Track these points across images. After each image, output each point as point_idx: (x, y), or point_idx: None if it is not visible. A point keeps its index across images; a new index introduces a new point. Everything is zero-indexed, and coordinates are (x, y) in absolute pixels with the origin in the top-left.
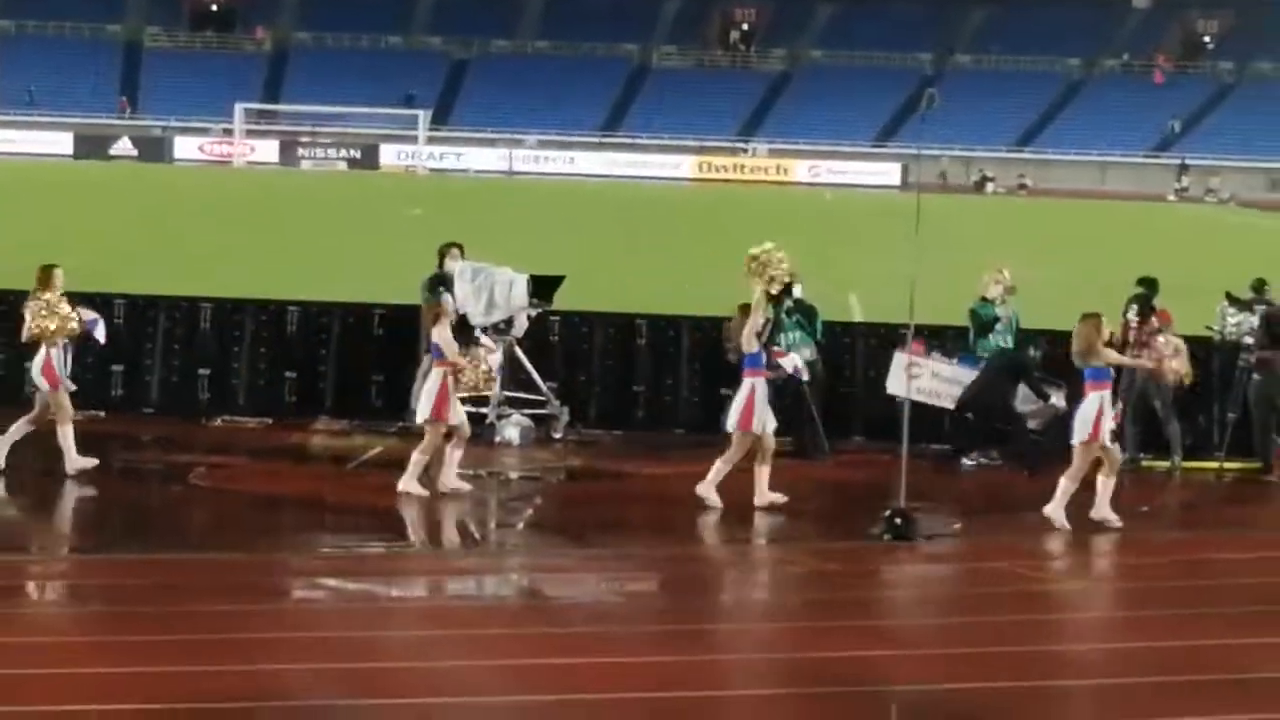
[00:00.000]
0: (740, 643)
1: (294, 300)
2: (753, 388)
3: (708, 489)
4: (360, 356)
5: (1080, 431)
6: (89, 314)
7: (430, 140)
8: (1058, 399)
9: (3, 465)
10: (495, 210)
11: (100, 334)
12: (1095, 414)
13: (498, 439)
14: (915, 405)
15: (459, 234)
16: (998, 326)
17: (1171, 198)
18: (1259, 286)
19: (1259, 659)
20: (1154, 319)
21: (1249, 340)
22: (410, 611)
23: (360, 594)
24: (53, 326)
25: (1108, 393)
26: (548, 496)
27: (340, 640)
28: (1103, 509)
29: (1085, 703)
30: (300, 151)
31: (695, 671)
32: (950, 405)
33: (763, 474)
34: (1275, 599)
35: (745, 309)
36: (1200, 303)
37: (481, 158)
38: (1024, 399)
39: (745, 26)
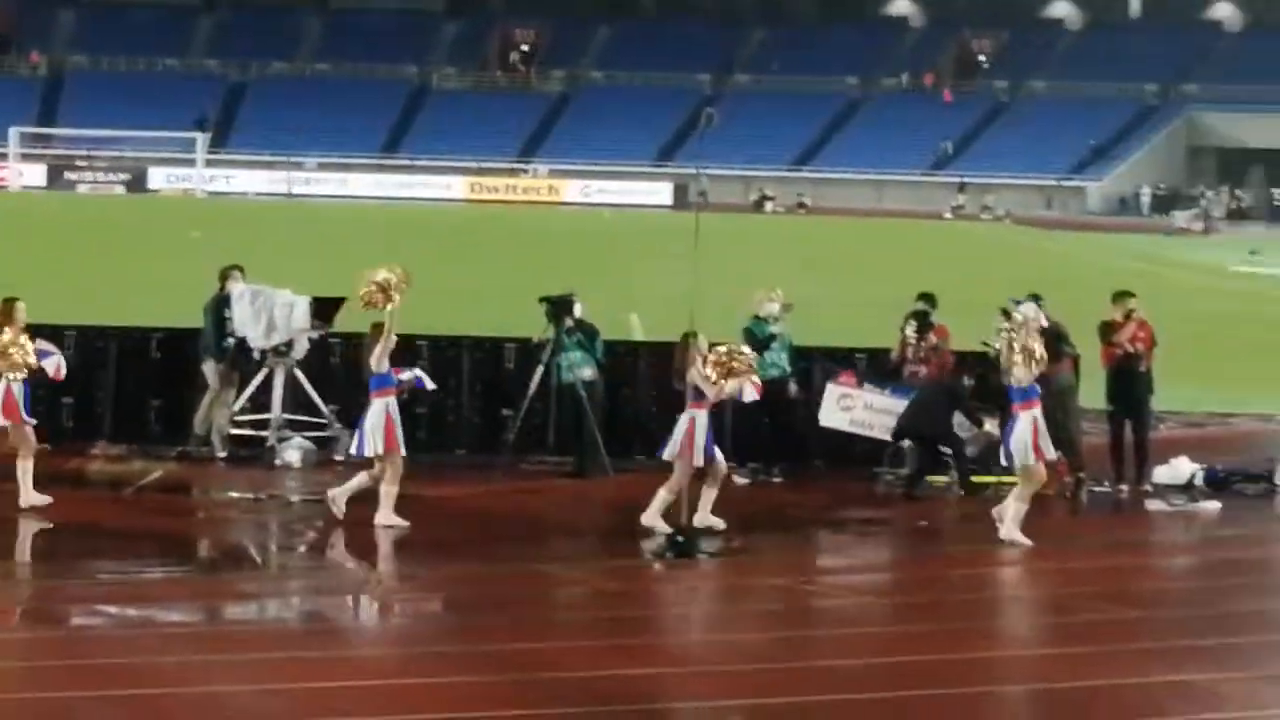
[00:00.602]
0: (525, 662)
1: (70, 324)
2: (692, 419)
3: (653, 518)
4: (138, 380)
5: (1022, 454)
6: (46, 346)
7: (209, 163)
8: (991, 426)
9: None
10: (274, 232)
11: (51, 367)
12: (1032, 434)
13: (278, 462)
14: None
15: (238, 256)
16: (773, 345)
17: (948, 215)
18: (1036, 301)
19: (1025, 671)
20: (932, 334)
21: None
22: (191, 636)
23: (140, 620)
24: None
25: (1038, 410)
26: (329, 519)
27: (120, 667)
28: (1013, 531)
29: (859, 716)
30: (70, 175)
31: (481, 692)
32: (884, 436)
33: (709, 496)
34: (1044, 611)
35: (687, 339)
36: (977, 319)
37: (257, 180)
38: (959, 426)
39: (525, 48)
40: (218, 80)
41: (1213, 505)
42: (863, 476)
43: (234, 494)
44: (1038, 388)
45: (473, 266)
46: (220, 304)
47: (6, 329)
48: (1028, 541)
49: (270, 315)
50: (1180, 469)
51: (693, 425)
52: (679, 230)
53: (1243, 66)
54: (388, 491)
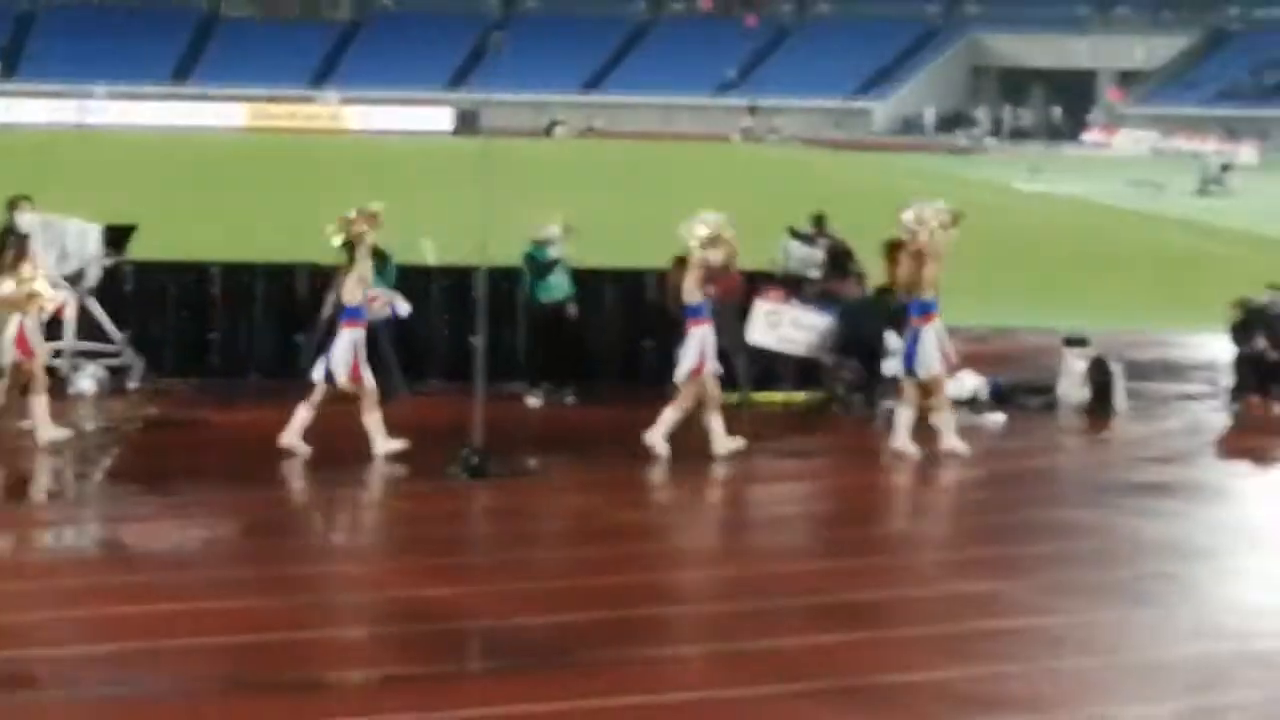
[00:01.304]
0: (323, 585)
1: None
2: (700, 336)
3: (656, 437)
4: None
5: (928, 364)
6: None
7: None
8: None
9: None
10: (64, 162)
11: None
12: (934, 345)
13: (72, 391)
14: (490, 344)
15: (27, 187)
16: (555, 269)
17: (736, 138)
18: (819, 221)
19: (815, 584)
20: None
21: (815, 273)
22: None
23: None
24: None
25: (940, 322)
26: (125, 446)
27: None
28: (903, 439)
29: (654, 630)
30: None
31: (280, 615)
32: (812, 353)
33: (715, 420)
34: (831, 525)
35: (681, 262)
36: (766, 239)
37: (45, 110)
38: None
39: None
40: (5, 9)
41: (997, 418)
42: (655, 396)
43: (27, 424)
44: (937, 302)
45: (263, 194)
46: (6, 235)
47: (24, 265)
48: (915, 451)
49: (62, 244)
50: (964, 383)
51: (703, 344)
52: (468, 156)
53: None
54: (373, 422)
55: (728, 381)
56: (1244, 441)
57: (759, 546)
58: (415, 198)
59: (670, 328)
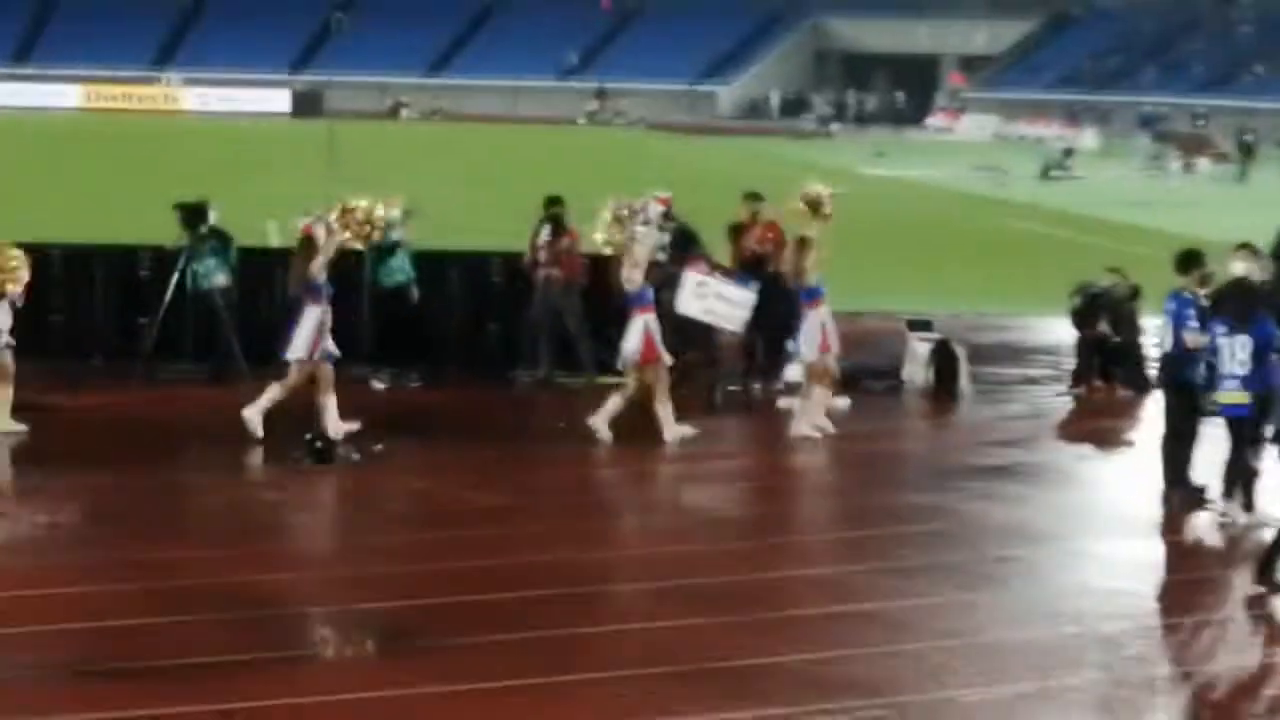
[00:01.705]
0: (160, 570)
1: None
2: (645, 323)
3: (601, 422)
4: None
5: (809, 349)
6: None
7: None
8: None
9: None
10: None
11: None
12: (820, 330)
13: None
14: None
15: None
16: (397, 251)
17: (582, 121)
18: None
19: (650, 569)
20: (565, 237)
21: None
22: None
23: None
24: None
25: (827, 308)
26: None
27: None
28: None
29: (485, 617)
30: None
31: (123, 600)
32: (734, 327)
33: (664, 406)
34: (668, 510)
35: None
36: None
37: None
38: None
39: None
40: None
41: (842, 401)
42: (498, 379)
43: None
44: (823, 288)
45: (103, 176)
46: None
47: None
48: (818, 434)
49: None
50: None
51: (648, 330)
52: (310, 138)
53: None
54: (325, 404)
55: (573, 365)
56: (1086, 425)
57: (603, 530)
58: (257, 179)
59: (515, 311)
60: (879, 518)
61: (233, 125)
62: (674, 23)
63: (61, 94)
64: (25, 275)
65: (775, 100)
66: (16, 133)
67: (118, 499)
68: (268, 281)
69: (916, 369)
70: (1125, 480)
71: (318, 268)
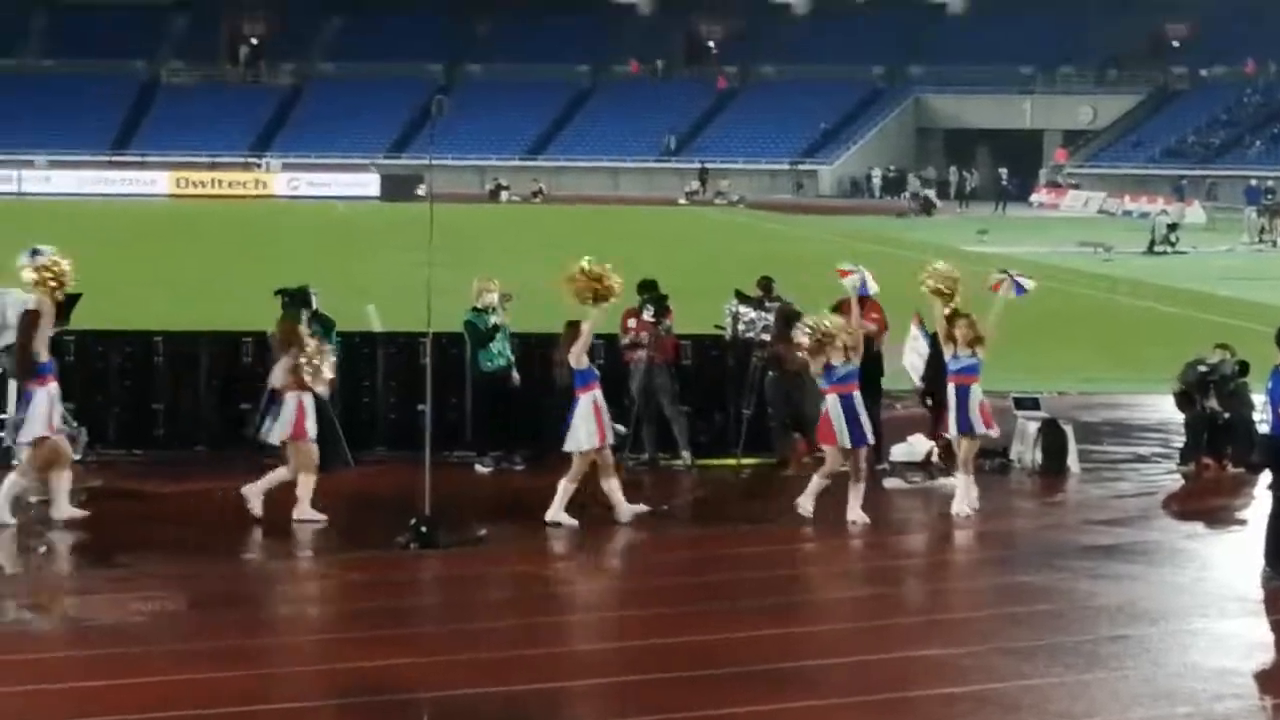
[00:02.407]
0: (272, 657)
1: None
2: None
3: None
4: None
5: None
6: None
7: None
8: None
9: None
10: (6, 232)
11: None
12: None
13: (16, 463)
14: (436, 411)
15: None
16: (497, 336)
17: (683, 201)
18: (766, 284)
19: (766, 651)
20: (666, 318)
21: (765, 337)
22: None
23: None
24: None
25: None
26: (69, 518)
27: None
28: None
29: (600, 701)
30: None
31: (229, 688)
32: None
33: (614, 487)
34: (784, 591)
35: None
36: (709, 303)
37: None
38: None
39: (254, 41)
40: None
41: (950, 481)
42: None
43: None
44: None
45: (200, 261)
46: None
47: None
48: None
49: (3, 315)
50: (917, 446)
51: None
52: (412, 221)
53: (966, 49)
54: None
55: (668, 445)
56: (1196, 503)
57: (709, 612)
58: (356, 263)
59: (617, 394)
60: (990, 598)
61: (329, 209)
62: (774, 101)
63: (152, 181)
64: None
65: (876, 178)
66: (112, 220)
67: (226, 585)
68: (370, 366)
69: (1024, 448)
70: (1236, 558)
71: (576, 355)
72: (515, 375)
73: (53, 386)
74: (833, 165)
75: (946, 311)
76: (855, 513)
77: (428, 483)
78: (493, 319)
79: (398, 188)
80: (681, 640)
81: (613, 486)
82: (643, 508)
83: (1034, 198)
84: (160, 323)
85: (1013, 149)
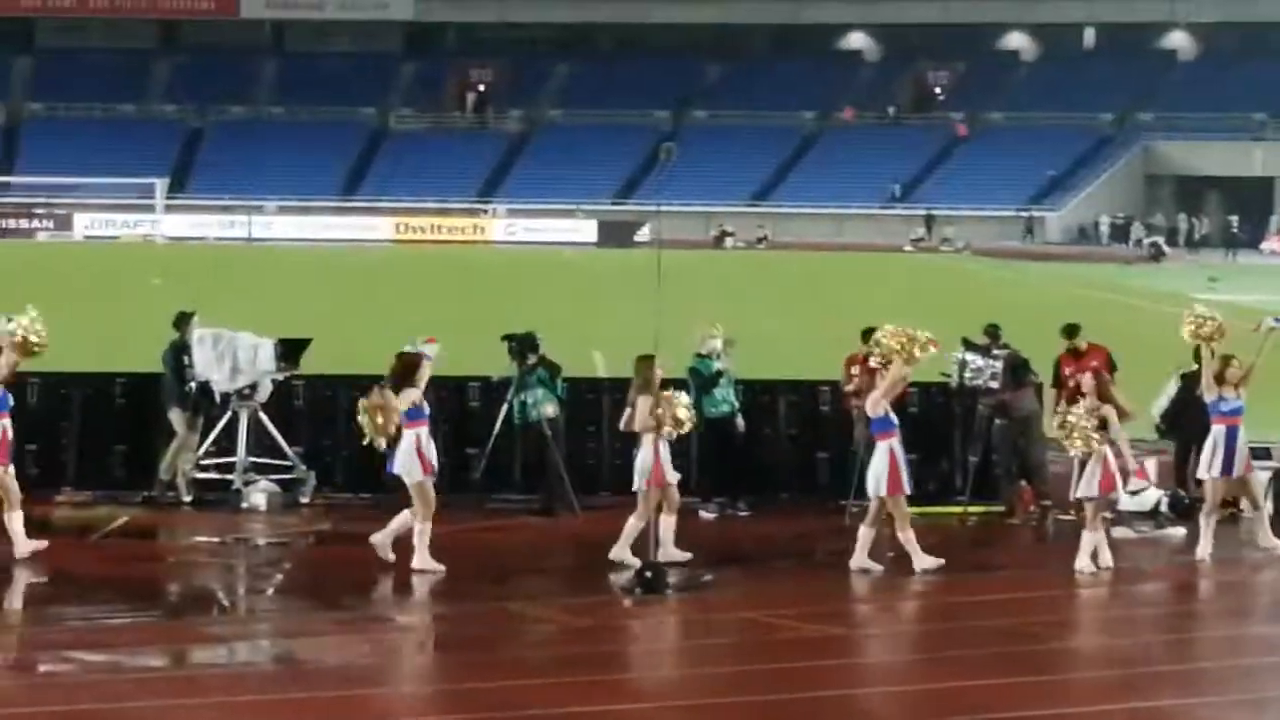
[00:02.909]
0: (500, 701)
1: (34, 371)
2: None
3: (622, 551)
4: (102, 426)
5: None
6: None
7: (169, 209)
8: None
9: None
10: (236, 276)
11: None
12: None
13: (245, 505)
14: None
15: (199, 300)
16: (720, 381)
17: (908, 248)
18: (993, 332)
19: (1002, 699)
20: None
21: (993, 384)
22: (160, 681)
23: (109, 665)
24: None
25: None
26: (297, 561)
27: (89, 713)
28: (861, 558)
29: None
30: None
31: None
32: None
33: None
34: (1020, 639)
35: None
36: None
37: (216, 225)
38: None
39: (482, 88)
40: (175, 125)
41: (1178, 531)
42: (830, 509)
43: (200, 538)
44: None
45: (429, 305)
46: (179, 350)
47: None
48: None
49: (234, 358)
50: (1145, 496)
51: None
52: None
53: (1197, 95)
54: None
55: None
56: None
57: (939, 661)
58: (582, 309)
59: (844, 440)
60: (1224, 649)
61: (555, 255)
62: (1001, 148)
63: (373, 227)
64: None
65: (1105, 225)
66: (337, 265)
67: (453, 629)
68: (596, 411)
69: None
70: None
71: (874, 402)
72: (740, 421)
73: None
74: (1060, 212)
75: (1214, 353)
76: (1083, 561)
77: (654, 529)
78: (716, 365)
79: (615, 234)
80: (911, 688)
81: (907, 537)
82: (682, 555)
83: (1265, 245)
84: (388, 367)
85: (1243, 196)
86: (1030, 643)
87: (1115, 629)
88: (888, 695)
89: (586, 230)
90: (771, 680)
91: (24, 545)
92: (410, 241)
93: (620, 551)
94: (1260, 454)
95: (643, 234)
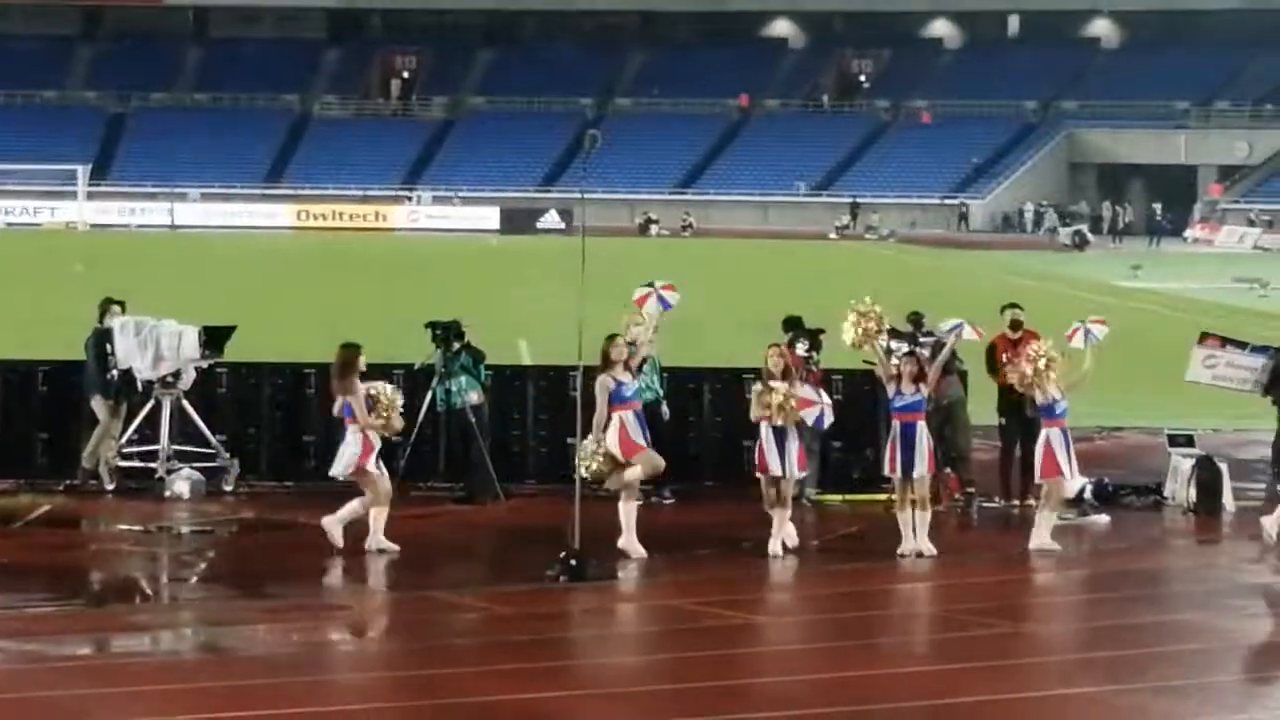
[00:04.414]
0: (427, 688)
1: None
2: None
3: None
4: (24, 414)
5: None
6: None
7: (91, 196)
8: None
9: None
10: (159, 264)
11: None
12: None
13: (168, 493)
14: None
15: (123, 288)
16: (644, 368)
17: (833, 235)
18: (917, 319)
19: (923, 687)
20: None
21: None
22: (84, 670)
23: (32, 654)
24: None
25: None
26: (221, 550)
27: (12, 702)
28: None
29: None
30: None
31: (379, 719)
32: (1249, 389)
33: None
34: (945, 627)
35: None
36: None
37: (139, 212)
38: None
39: (406, 75)
40: (97, 112)
41: (1102, 518)
42: (754, 496)
43: (123, 526)
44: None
45: (352, 292)
46: (101, 337)
47: None
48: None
49: (158, 345)
50: (1070, 482)
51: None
52: (564, 253)
53: (1120, 83)
54: (376, 515)
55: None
56: None
57: (860, 649)
58: (503, 296)
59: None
60: (1143, 636)
61: (483, 243)
62: (926, 136)
63: (273, 214)
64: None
65: (1029, 213)
66: (260, 254)
67: (369, 617)
68: (520, 399)
69: (1178, 485)
70: None
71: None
72: (665, 409)
73: None
74: (985, 200)
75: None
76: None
77: (577, 516)
78: (642, 352)
79: (519, 221)
80: (832, 676)
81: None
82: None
83: (1188, 233)
84: (312, 355)
85: (1166, 184)
86: (956, 629)
87: (1038, 616)
88: (808, 683)
89: (490, 218)
90: (694, 668)
91: None
92: (311, 229)
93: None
94: (1183, 442)
95: (545, 221)
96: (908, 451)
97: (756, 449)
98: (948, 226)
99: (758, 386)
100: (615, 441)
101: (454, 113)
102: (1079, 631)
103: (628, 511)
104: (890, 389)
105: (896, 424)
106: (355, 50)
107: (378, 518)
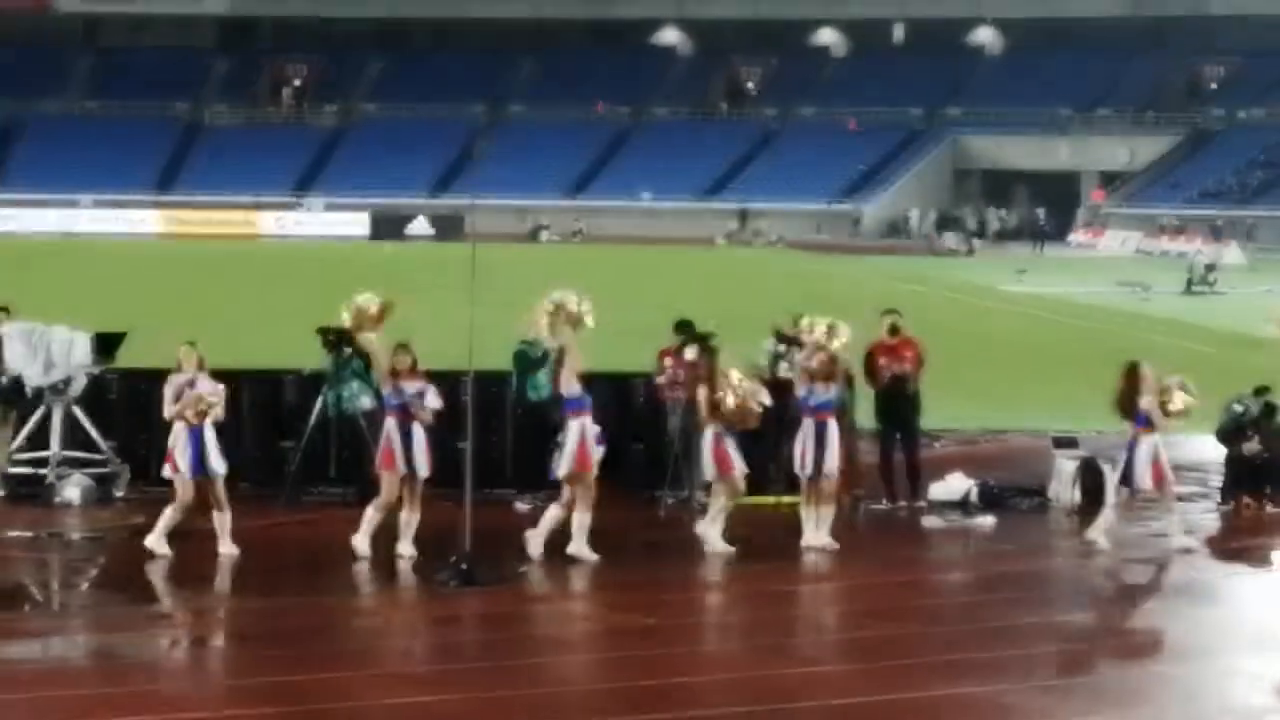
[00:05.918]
0: (315, 693)
1: None
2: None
3: (579, 546)
4: None
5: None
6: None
7: None
8: None
9: None
10: (52, 271)
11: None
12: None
13: (58, 499)
14: (476, 450)
15: (11, 295)
16: (546, 365)
17: (721, 241)
18: (796, 323)
19: (807, 688)
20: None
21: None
22: None
23: None
24: None
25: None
26: (111, 556)
27: None
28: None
29: None
30: None
31: None
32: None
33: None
34: (837, 628)
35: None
36: (748, 342)
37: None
38: None
39: (297, 82)
40: None
41: (987, 520)
42: (643, 500)
43: (13, 533)
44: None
45: (240, 298)
46: None
47: None
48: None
49: (48, 352)
50: (954, 485)
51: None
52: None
53: (1004, 90)
54: (580, 522)
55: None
56: (1235, 542)
57: (745, 651)
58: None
59: (658, 432)
60: (1027, 636)
61: (376, 250)
62: (813, 143)
63: (142, 220)
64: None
65: (915, 218)
66: (151, 261)
67: (267, 622)
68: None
69: (1062, 487)
70: (1275, 597)
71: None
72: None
73: None
74: (871, 206)
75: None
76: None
77: (468, 520)
78: (544, 346)
79: (387, 228)
80: (733, 677)
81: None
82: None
83: (1071, 238)
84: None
85: (1050, 190)
86: (844, 631)
87: (926, 616)
88: (696, 685)
89: (359, 224)
90: (581, 670)
91: None
92: (178, 236)
93: (578, 547)
94: (1067, 444)
95: (413, 228)
96: (819, 449)
97: (714, 456)
98: (833, 233)
99: (703, 392)
100: (572, 450)
101: (345, 120)
102: (966, 632)
103: (581, 520)
104: (801, 389)
105: (809, 422)
106: (246, 58)
107: (372, 519)
